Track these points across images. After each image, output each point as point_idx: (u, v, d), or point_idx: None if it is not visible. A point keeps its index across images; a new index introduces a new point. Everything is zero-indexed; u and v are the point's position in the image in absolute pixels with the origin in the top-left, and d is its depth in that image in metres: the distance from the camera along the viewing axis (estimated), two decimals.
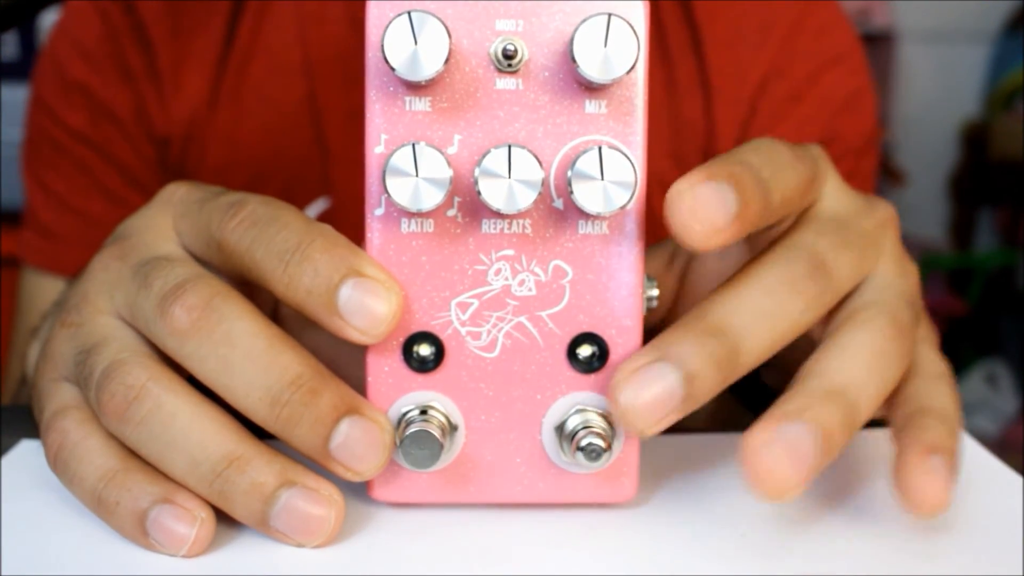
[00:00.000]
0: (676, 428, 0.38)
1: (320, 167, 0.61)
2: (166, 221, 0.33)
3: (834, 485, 0.34)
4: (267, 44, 0.61)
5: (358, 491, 0.32)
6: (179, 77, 0.61)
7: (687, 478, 0.34)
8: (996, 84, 1.98)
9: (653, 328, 0.31)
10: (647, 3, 0.29)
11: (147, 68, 0.61)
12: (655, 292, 0.31)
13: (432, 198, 0.28)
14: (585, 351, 0.30)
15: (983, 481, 0.34)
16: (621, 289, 0.30)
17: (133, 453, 0.30)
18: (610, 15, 0.28)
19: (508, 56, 0.29)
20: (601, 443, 0.29)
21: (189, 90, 0.61)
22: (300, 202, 0.61)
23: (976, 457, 0.36)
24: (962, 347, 1.93)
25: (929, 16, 2.03)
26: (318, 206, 0.61)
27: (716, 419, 0.41)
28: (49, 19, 1.34)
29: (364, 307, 0.29)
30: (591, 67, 0.28)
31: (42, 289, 0.64)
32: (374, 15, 0.29)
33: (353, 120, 0.58)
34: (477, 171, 0.28)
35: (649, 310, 0.31)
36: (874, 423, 0.41)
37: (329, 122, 0.60)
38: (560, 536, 0.31)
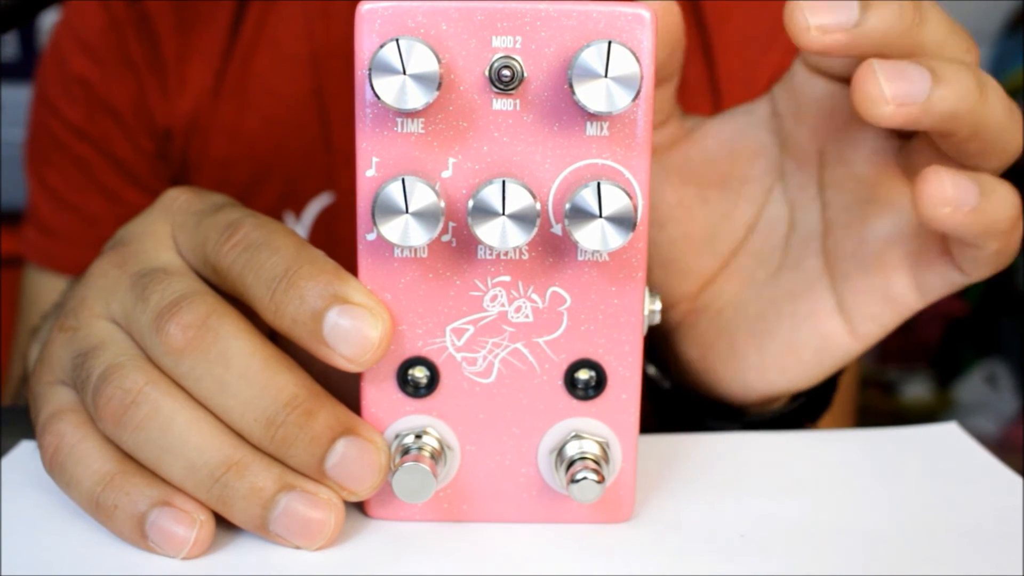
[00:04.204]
0: (670, 428, 0.38)
1: (324, 161, 0.61)
2: (165, 229, 0.32)
3: (833, 485, 0.34)
4: (272, 37, 0.61)
5: None
6: (183, 70, 0.61)
7: (685, 478, 0.34)
8: None
9: None
10: (654, 14, 0.28)
11: (150, 60, 0.61)
12: (658, 306, 0.30)
13: (422, 235, 0.27)
14: (583, 376, 0.30)
15: (983, 481, 0.34)
16: (620, 316, 0.30)
17: (130, 457, 0.30)
18: (610, 42, 0.26)
19: (505, 81, 0.28)
20: (594, 477, 0.29)
21: (193, 83, 0.61)
22: (304, 196, 0.61)
23: (976, 457, 0.36)
24: (962, 347, 1.93)
25: None
26: (321, 201, 0.61)
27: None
28: (49, 20, 1.33)
29: (350, 335, 0.28)
30: (591, 100, 0.27)
31: (43, 287, 0.64)
32: (364, 29, 0.28)
33: None
34: (470, 204, 0.27)
35: (651, 325, 0.30)
36: (872, 423, 0.41)
37: (334, 117, 0.60)
38: (558, 537, 0.31)
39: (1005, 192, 0.31)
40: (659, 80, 0.34)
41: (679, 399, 0.40)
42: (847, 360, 0.37)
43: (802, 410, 0.40)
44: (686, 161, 0.37)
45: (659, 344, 0.41)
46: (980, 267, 0.33)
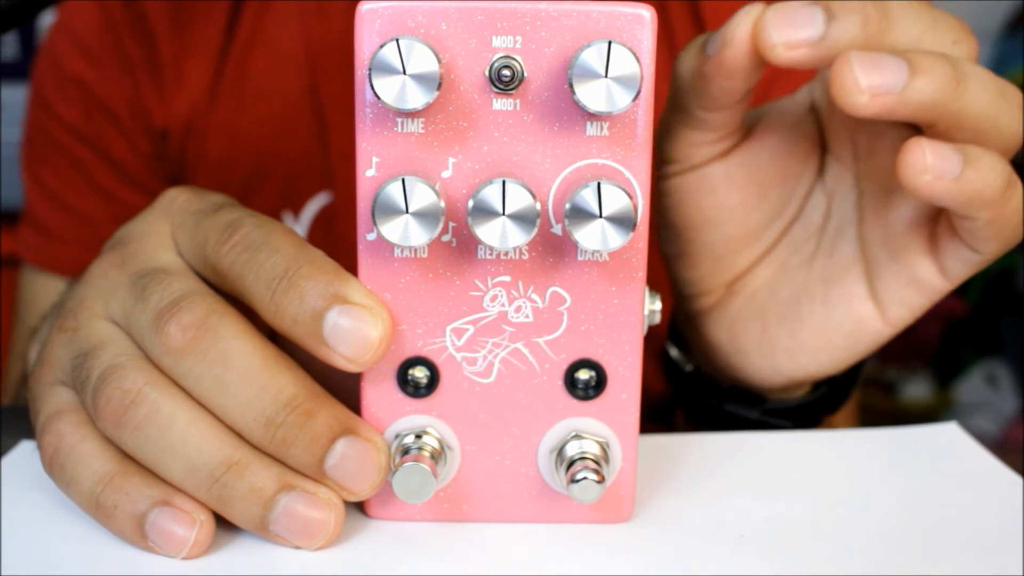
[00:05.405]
0: (671, 428, 0.38)
1: (322, 161, 0.60)
2: (164, 229, 0.32)
3: (833, 485, 0.34)
4: (269, 37, 0.61)
5: None
6: (180, 70, 0.61)
7: (685, 479, 0.34)
8: None
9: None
10: (654, 14, 0.28)
11: (147, 60, 0.61)
12: (658, 306, 0.30)
13: (422, 235, 0.27)
14: (583, 376, 0.30)
15: (983, 481, 0.34)
16: (620, 316, 0.30)
17: (130, 457, 0.30)
18: (610, 42, 0.26)
19: (505, 81, 0.28)
20: (594, 477, 0.29)
21: (190, 83, 0.61)
22: (301, 196, 0.61)
23: (976, 457, 0.36)
24: (962, 347, 1.93)
25: None
26: (320, 200, 0.61)
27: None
28: (49, 20, 1.33)
29: (350, 335, 0.28)
30: (591, 100, 0.27)
31: (41, 287, 0.64)
32: (364, 29, 0.28)
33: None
34: (470, 204, 0.27)
35: (651, 325, 0.30)
36: (872, 423, 0.41)
37: (331, 115, 0.60)
38: (559, 537, 0.31)
39: (992, 161, 0.31)
40: (738, 100, 0.35)
41: (700, 382, 0.40)
42: (877, 345, 0.38)
43: (822, 400, 0.40)
44: (752, 159, 0.38)
45: (685, 328, 0.42)
46: (985, 241, 0.34)
